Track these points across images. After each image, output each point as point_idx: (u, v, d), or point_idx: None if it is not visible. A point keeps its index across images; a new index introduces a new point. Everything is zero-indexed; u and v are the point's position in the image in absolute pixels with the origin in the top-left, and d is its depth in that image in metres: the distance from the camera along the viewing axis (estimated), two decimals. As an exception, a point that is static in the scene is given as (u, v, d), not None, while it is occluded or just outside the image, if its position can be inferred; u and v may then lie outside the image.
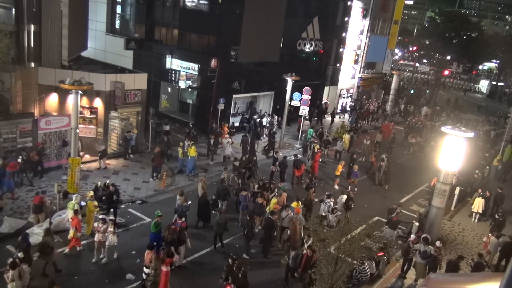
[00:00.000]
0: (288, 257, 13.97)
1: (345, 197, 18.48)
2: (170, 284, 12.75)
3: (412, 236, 15.64)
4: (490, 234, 16.68)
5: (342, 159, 24.58)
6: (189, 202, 16.52)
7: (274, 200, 16.89)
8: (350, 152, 25.85)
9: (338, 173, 22.32)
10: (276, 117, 30.43)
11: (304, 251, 13.46)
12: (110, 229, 13.64)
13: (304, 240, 14.44)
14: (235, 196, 18.20)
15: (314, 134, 27.66)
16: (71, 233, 14.01)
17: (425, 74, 71.30)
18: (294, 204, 16.65)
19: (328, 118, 35.52)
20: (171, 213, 16.26)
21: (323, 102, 36.57)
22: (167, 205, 18.10)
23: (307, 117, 31.32)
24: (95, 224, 13.94)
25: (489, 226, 19.29)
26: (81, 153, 20.12)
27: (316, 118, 34.25)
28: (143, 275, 12.69)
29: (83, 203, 15.43)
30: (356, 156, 24.78)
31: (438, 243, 15.24)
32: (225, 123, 26.78)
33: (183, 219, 14.69)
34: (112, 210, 16.38)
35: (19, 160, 17.74)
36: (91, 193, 15.89)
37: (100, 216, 14.15)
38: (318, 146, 24.73)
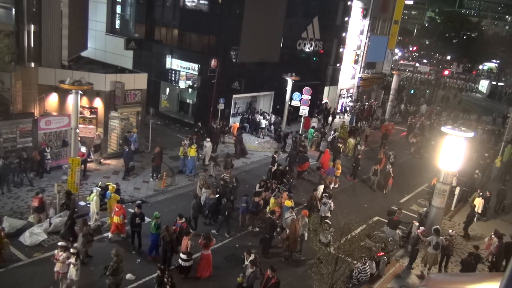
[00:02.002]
0: (244, 274, 12.58)
1: (322, 187, 19.16)
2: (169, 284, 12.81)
3: (421, 228, 16.06)
4: (493, 236, 16.65)
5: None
6: (217, 196, 16.79)
7: (272, 200, 16.88)
8: (355, 156, 25.53)
9: (338, 174, 22.23)
10: (274, 117, 30.49)
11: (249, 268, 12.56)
12: (72, 260, 11.73)
13: (245, 257, 13.07)
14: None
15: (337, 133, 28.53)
16: (116, 220, 14.80)
17: (425, 74, 71.35)
18: (288, 203, 16.56)
19: (328, 118, 35.53)
20: (172, 212, 16.26)
21: (323, 102, 36.59)
22: (167, 205, 18.12)
23: (315, 115, 32.12)
24: (55, 252, 12.21)
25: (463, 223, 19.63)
26: (91, 157, 20.20)
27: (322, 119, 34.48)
28: (179, 261, 13.40)
29: (109, 195, 15.82)
30: (361, 157, 24.60)
31: (450, 231, 16.36)
32: (235, 122, 26.84)
33: (183, 219, 14.68)
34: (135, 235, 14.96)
35: (84, 150, 19.08)
36: (114, 186, 16.29)
37: (60, 243, 12.21)
38: (353, 141, 25.86)
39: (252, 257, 12.84)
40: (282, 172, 20.32)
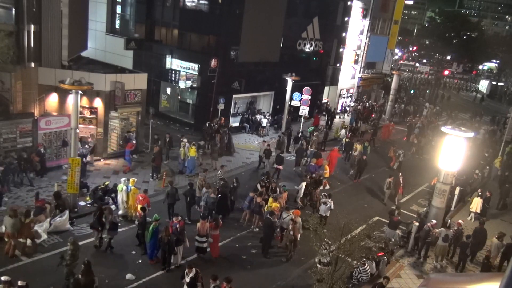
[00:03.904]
0: None
1: (304, 184, 19.27)
2: (167, 286, 12.95)
3: (434, 221, 16.64)
4: (495, 238, 16.65)
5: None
6: (219, 196, 17.02)
7: (271, 199, 16.87)
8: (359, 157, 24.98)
9: (327, 175, 22.17)
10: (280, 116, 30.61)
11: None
12: None
13: (185, 272, 12.07)
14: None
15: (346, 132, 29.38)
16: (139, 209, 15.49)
17: (425, 74, 71.41)
18: (274, 205, 16.32)
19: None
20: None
21: (323, 102, 36.61)
22: (167, 205, 18.10)
23: (324, 113, 33.43)
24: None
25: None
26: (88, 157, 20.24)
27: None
28: (196, 243, 14.45)
29: (130, 188, 16.49)
30: (366, 157, 24.29)
31: (460, 220, 17.29)
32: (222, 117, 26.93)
33: (180, 218, 14.68)
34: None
35: (132, 141, 21.03)
36: (134, 180, 17.09)
37: (3, 278, 11.08)
38: (359, 146, 25.44)
39: (193, 272, 11.86)
40: (315, 181, 19.74)
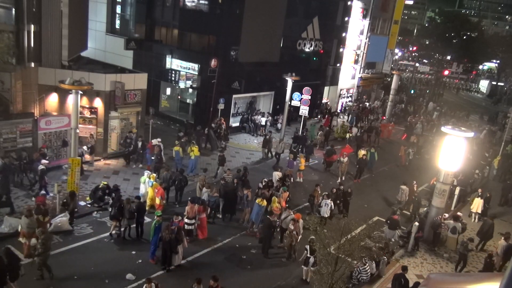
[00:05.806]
0: None
1: (276, 173, 19.84)
2: (165, 287, 12.94)
3: (446, 215, 17.35)
4: (502, 237, 16.62)
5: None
6: (216, 194, 17.31)
7: (275, 199, 16.88)
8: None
9: (302, 168, 22.61)
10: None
11: None
12: None
13: (145, 286, 11.59)
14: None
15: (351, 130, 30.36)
16: (157, 201, 16.71)
17: (424, 74, 71.38)
18: (258, 201, 16.27)
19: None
20: (172, 212, 16.28)
21: (323, 102, 36.61)
22: (167, 204, 18.11)
23: (336, 113, 34.46)
24: None
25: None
26: (87, 156, 20.23)
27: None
28: (185, 225, 15.11)
29: (151, 183, 17.21)
30: (366, 157, 24.20)
31: (458, 213, 18.12)
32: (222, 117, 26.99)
33: (179, 218, 14.71)
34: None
35: (156, 141, 21.09)
36: (154, 175, 17.79)
37: None
38: (363, 152, 25.07)
39: (153, 287, 11.48)
40: (344, 193, 19.00)
